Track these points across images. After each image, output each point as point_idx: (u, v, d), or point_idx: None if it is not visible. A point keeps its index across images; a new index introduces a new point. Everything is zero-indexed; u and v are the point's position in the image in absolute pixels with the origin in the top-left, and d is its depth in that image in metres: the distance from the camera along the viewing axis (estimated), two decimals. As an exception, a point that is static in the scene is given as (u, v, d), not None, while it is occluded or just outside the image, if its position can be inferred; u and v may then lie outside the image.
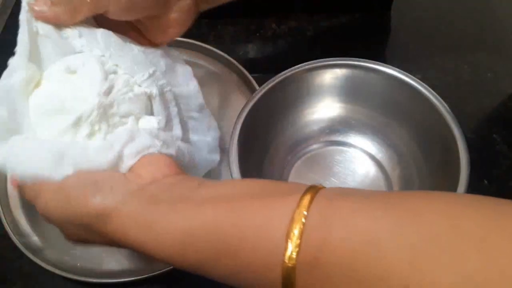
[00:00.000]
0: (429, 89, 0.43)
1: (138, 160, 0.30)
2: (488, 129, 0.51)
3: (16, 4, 0.59)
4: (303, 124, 0.50)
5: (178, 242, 0.25)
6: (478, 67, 0.57)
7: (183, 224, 0.25)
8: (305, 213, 0.22)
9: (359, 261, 0.20)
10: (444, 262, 0.19)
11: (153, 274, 0.42)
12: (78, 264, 0.45)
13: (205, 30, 0.64)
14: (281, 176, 0.47)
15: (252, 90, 0.52)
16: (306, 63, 0.46)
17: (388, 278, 0.20)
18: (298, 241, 0.22)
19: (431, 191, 0.23)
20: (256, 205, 0.24)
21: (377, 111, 0.47)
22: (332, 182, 0.47)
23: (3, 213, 0.47)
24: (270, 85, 0.45)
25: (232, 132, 0.42)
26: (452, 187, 0.37)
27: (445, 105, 0.42)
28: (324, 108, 0.49)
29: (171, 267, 0.42)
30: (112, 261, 0.45)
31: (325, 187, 0.24)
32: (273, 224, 0.23)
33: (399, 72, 0.44)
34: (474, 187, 0.46)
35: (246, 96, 0.53)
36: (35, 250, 0.45)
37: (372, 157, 0.48)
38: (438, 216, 0.20)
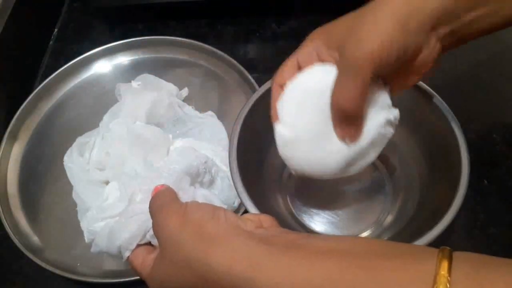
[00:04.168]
0: (429, 89, 0.43)
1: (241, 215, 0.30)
2: (488, 129, 0.51)
3: (16, 4, 0.59)
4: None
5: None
6: (479, 67, 0.57)
7: (299, 271, 0.24)
8: (448, 277, 0.20)
9: None
10: None
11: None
12: (78, 264, 0.45)
13: (205, 30, 0.64)
14: (281, 175, 0.47)
15: (252, 90, 0.52)
16: (306, 63, 0.46)
17: None
18: None
19: None
20: (389, 265, 0.22)
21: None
22: (332, 181, 0.46)
23: (3, 213, 0.47)
24: (270, 85, 0.45)
25: (232, 132, 0.42)
26: (452, 187, 0.37)
27: (445, 105, 0.42)
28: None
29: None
30: (112, 261, 0.45)
31: (454, 251, 0.22)
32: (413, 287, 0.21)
33: (399, 72, 0.44)
34: (474, 187, 0.46)
35: (246, 96, 0.53)
36: (35, 250, 0.45)
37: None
38: None
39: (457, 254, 0.22)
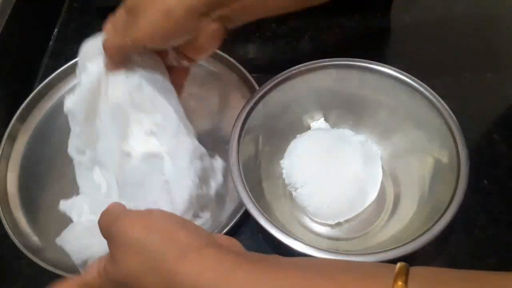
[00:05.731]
0: (429, 89, 0.43)
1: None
2: (488, 129, 0.51)
3: (16, 4, 0.59)
4: (303, 124, 0.50)
5: None
6: (478, 67, 0.57)
7: (266, 280, 0.25)
8: None
9: None
10: None
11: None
12: (78, 264, 0.45)
13: (205, 30, 0.64)
14: (280, 175, 0.47)
15: (252, 90, 0.52)
16: (306, 63, 0.46)
17: None
18: None
19: None
20: (350, 278, 0.24)
21: (377, 110, 0.47)
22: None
23: (3, 213, 0.47)
24: (270, 85, 0.45)
25: (232, 132, 0.42)
26: (452, 187, 0.37)
27: (445, 105, 0.42)
28: (323, 108, 0.50)
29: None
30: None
31: (411, 267, 0.24)
32: None
33: (399, 72, 0.44)
34: (474, 187, 0.46)
35: (246, 96, 0.53)
36: (35, 250, 0.45)
37: (372, 157, 0.48)
38: None
39: (413, 269, 0.23)
